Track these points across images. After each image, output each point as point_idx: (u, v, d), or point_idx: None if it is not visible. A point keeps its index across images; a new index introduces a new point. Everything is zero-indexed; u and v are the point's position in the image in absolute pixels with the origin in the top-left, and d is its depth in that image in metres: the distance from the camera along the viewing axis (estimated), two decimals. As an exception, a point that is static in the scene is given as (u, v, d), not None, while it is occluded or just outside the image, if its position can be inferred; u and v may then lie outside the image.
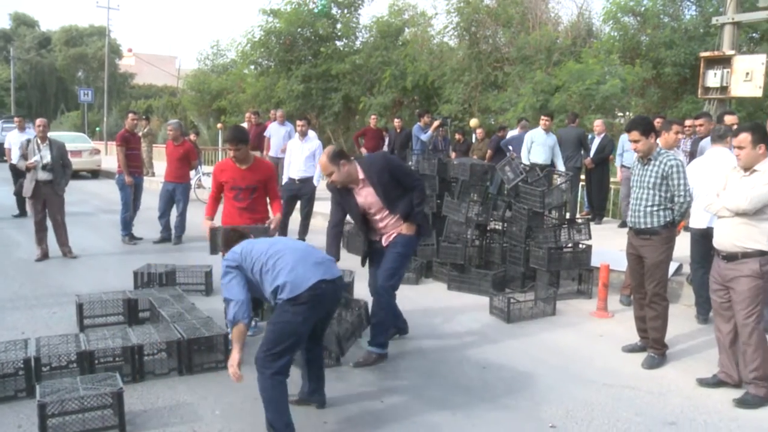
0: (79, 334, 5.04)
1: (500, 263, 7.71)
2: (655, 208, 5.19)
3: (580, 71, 15.22)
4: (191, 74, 32.59)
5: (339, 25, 22.76)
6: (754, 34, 17.47)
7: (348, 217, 5.41)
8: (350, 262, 8.25)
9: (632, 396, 4.72)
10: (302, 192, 9.21)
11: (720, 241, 4.72)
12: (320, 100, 22.01)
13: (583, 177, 11.91)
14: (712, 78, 10.29)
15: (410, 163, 8.93)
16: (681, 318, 6.49)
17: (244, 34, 23.56)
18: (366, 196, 5.12)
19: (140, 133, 15.08)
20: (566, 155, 10.92)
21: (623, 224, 9.97)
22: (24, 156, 8.51)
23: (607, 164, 11.59)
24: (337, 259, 5.16)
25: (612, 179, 11.89)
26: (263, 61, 23.62)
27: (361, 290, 5.88)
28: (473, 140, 14.69)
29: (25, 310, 6.43)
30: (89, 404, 3.95)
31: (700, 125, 8.15)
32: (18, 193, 9.69)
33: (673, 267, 7.01)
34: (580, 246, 7.38)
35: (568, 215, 8.35)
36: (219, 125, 23.18)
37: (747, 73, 9.94)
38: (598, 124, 11.66)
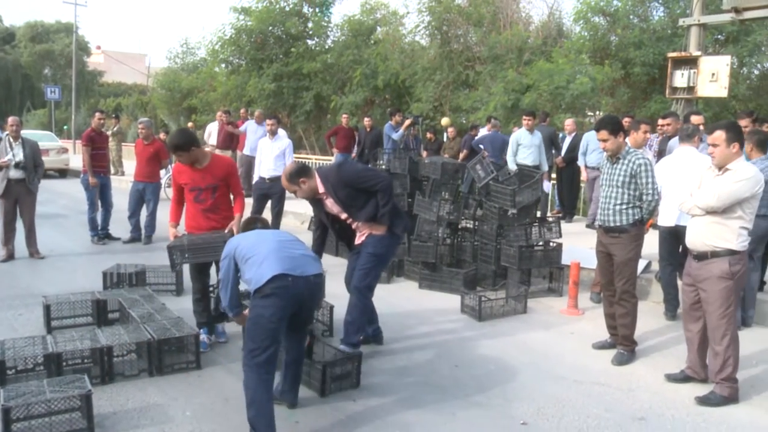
0: (46, 336, 4.95)
1: (471, 262, 7.74)
2: (624, 207, 5.24)
3: (550, 70, 15.34)
4: (161, 72, 32.26)
5: (310, 24, 22.69)
6: (719, 36, 17.73)
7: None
8: (323, 261, 8.25)
9: (602, 392, 4.76)
10: (272, 191, 9.16)
11: (691, 240, 4.76)
12: (292, 99, 21.92)
13: (554, 176, 12.00)
14: (680, 78, 10.43)
15: (381, 162, 8.92)
16: (650, 315, 6.57)
17: (215, 32, 23.38)
18: (332, 206, 5.15)
19: (109, 132, 14.91)
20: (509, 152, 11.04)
21: (591, 225, 10.02)
22: (-4, 155, 8.36)
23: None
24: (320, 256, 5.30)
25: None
26: (234, 59, 23.47)
27: (336, 288, 5.85)
28: (444, 139, 14.73)
29: (-10, 312, 6.31)
30: (56, 407, 3.89)
31: (667, 125, 8.25)
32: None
33: (641, 264, 7.10)
34: (551, 244, 7.43)
35: (539, 214, 8.42)
36: (190, 124, 22.99)
37: (713, 74, 10.08)
38: (569, 123, 11.76)
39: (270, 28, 22.00)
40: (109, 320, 5.85)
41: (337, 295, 5.84)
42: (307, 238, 9.65)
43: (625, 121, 7.72)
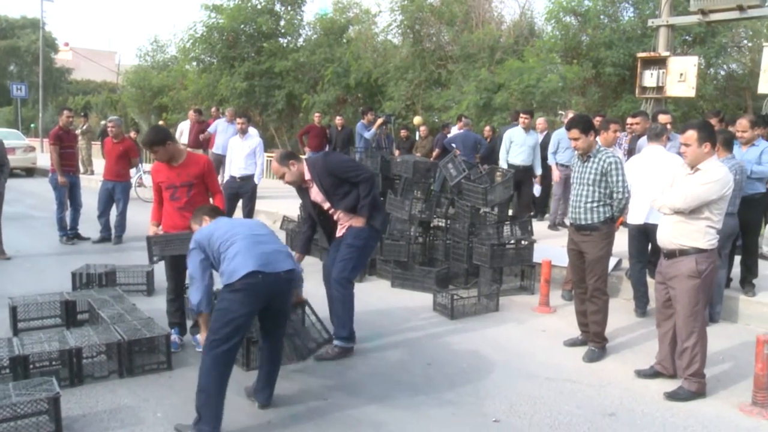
0: (12, 338, 4.85)
1: (443, 260, 7.76)
2: (595, 205, 5.29)
3: (520, 69, 15.45)
4: (131, 70, 31.87)
5: (282, 22, 22.59)
6: (687, 37, 17.98)
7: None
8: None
9: (574, 389, 4.80)
10: (243, 190, 9.12)
11: (661, 239, 4.82)
12: (263, 98, 21.81)
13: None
14: (649, 78, 10.56)
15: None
16: (620, 312, 6.64)
17: (186, 30, 23.16)
18: (315, 195, 5.27)
19: (78, 131, 14.70)
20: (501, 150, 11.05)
21: (553, 225, 10.07)
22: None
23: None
24: (302, 253, 5.46)
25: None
26: (205, 57, 23.27)
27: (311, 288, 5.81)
28: (417, 138, 14.76)
29: (-46, 314, 6.18)
30: (23, 411, 3.80)
31: (636, 123, 8.34)
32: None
33: (612, 262, 7.17)
34: (523, 242, 7.48)
35: (510, 212, 8.47)
36: (161, 123, 22.76)
37: (681, 74, 10.22)
38: (540, 122, 11.82)
39: (242, 26, 21.85)
40: (78, 321, 5.76)
41: (311, 294, 5.82)
42: (279, 236, 9.64)
43: (596, 121, 7.78)
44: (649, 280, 6.50)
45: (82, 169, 14.35)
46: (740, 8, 9.69)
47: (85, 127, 18.62)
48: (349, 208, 5.20)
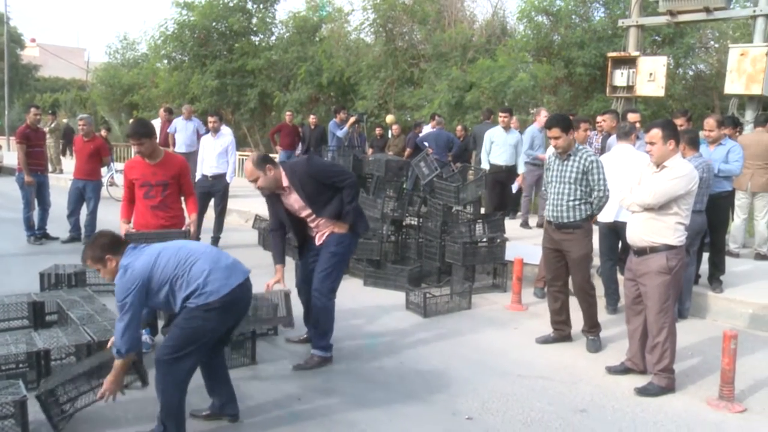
0: (-22, 340, 4.78)
1: (416, 258, 7.77)
2: (577, 203, 5.33)
3: (491, 68, 15.52)
4: (101, 68, 31.43)
5: (254, 20, 22.45)
6: (656, 37, 18.19)
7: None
8: (268, 258, 8.17)
9: (545, 386, 4.84)
10: (215, 189, 9.05)
11: (631, 236, 4.87)
12: (236, 96, 21.67)
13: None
14: (619, 77, 10.68)
15: (325, 159, 8.87)
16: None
17: (157, 27, 22.91)
18: (293, 202, 5.00)
19: (46, 129, 14.47)
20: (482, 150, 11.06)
21: (525, 224, 10.11)
22: None
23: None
24: (283, 263, 5.11)
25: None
26: (177, 55, 23.04)
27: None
28: (389, 136, 14.77)
29: None
30: (-12, 414, 3.75)
31: (603, 121, 8.43)
32: None
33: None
34: (495, 241, 7.51)
35: (482, 210, 8.50)
36: (131, 121, 22.51)
37: (650, 74, 10.36)
38: (512, 120, 11.87)
39: (213, 23, 21.67)
40: (46, 323, 5.66)
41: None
42: (252, 236, 9.59)
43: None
44: (619, 277, 6.57)
45: (50, 167, 14.12)
46: (707, 10, 9.86)
47: (53, 125, 18.35)
48: (334, 215, 4.99)
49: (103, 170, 10.90)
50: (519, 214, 10.61)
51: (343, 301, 6.62)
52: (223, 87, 21.38)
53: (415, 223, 8.07)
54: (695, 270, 6.65)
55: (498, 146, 9.76)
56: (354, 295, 7.07)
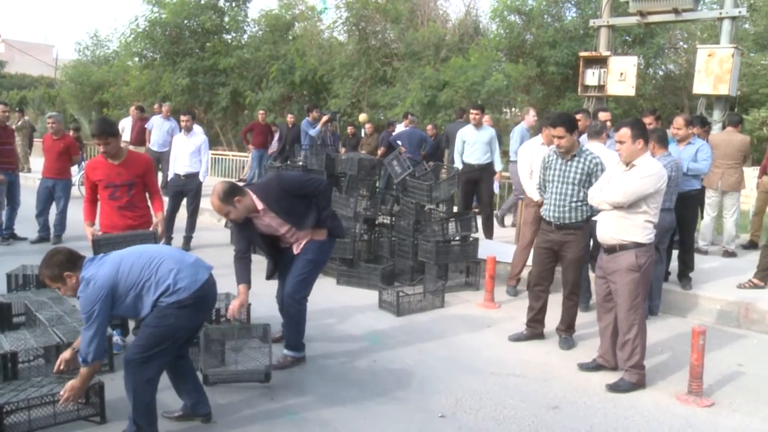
0: (-58, 343, 4.68)
1: (389, 257, 7.77)
2: (579, 204, 5.32)
3: (465, 67, 15.58)
4: (70, 65, 30.97)
5: (227, 18, 22.30)
6: (627, 38, 18.41)
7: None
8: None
9: (518, 383, 4.86)
10: (188, 188, 8.97)
11: (601, 235, 4.91)
12: (207, 95, 21.52)
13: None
14: (591, 77, 10.77)
15: (299, 158, 8.84)
16: (560, 306, 6.74)
17: (128, 24, 22.66)
18: (270, 222, 4.85)
19: (14, 126, 14.23)
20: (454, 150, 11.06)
21: (501, 220, 10.14)
22: None
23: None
24: (248, 284, 4.85)
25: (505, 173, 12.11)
26: (148, 53, 22.80)
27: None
28: (362, 135, 14.76)
29: None
30: (-47, 418, 3.67)
31: (578, 120, 8.47)
32: None
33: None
34: (468, 239, 7.53)
35: (455, 209, 8.51)
36: (96, 120, 22.20)
37: (621, 73, 10.46)
38: (485, 119, 11.91)
39: (185, 21, 21.49)
40: (14, 325, 5.56)
41: (255, 293, 5.76)
42: (224, 235, 9.53)
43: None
44: (591, 275, 6.62)
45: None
46: (675, 11, 9.98)
47: (20, 123, 18.05)
48: (313, 224, 4.90)
49: (74, 169, 10.75)
50: (502, 209, 10.54)
51: (316, 300, 6.59)
52: (195, 85, 21.21)
53: (388, 221, 8.06)
54: (665, 267, 6.72)
55: (470, 145, 9.43)
56: (327, 294, 7.05)
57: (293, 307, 4.98)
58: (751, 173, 11.57)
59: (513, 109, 17.82)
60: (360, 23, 19.29)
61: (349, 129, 14.98)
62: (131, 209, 5.41)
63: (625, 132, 4.69)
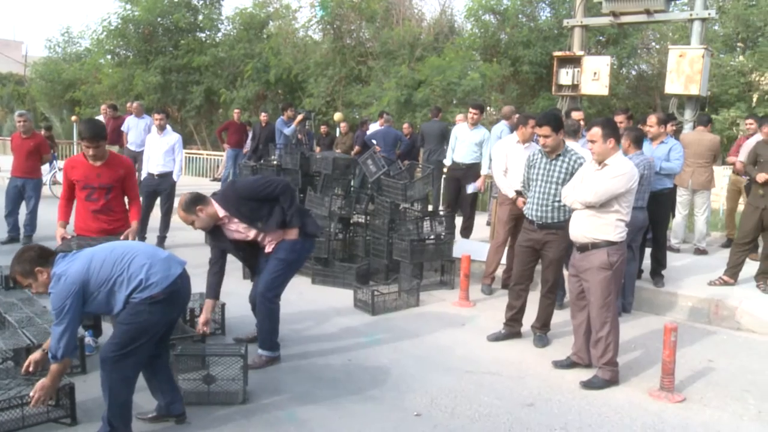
0: None
1: (364, 256, 7.76)
2: (562, 203, 5.28)
3: (441, 66, 15.62)
4: (40, 62, 30.52)
5: (201, 17, 22.14)
6: (601, 38, 18.59)
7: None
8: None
9: (493, 381, 4.88)
10: (161, 187, 8.88)
11: (573, 233, 4.94)
12: (181, 94, 21.34)
13: (445, 170, 12.16)
14: (564, 76, 10.83)
15: (273, 157, 8.79)
16: (537, 304, 6.77)
17: (100, 21, 22.38)
18: (236, 229, 4.87)
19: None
20: (429, 149, 11.08)
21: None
22: None
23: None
24: (215, 298, 4.97)
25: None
26: (120, 50, 22.56)
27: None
28: (337, 134, 14.73)
29: None
30: None
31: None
32: None
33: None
34: (442, 238, 7.54)
35: (430, 207, 8.52)
36: (73, 117, 21.96)
37: (594, 73, 10.53)
38: (460, 118, 11.94)
39: (158, 19, 21.30)
40: (-18, 326, 5.49)
41: (231, 292, 5.73)
42: (199, 235, 9.44)
43: (516, 117, 7.88)
44: (564, 272, 6.66)
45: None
46: (647, 12, 10.07)
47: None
48: (280, 224, 4.89)
49: (46, 168, 10.59)
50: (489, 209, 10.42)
51: (290, 300, 6.59)
52: (168, 84, 21.03)
53: (363, 220, 8.05)
54: (638, 265, 6.79)
55: (460, 142, 9.22)
56: (302, 293, 7.02)
57: (265, 306, 4.97)
58: (721, 172, 11.74)
59: (488, 108, 17.89)
60: (335, 22, 19.27)
61: (323, 128, 14.94)
62: (107, 213, 5.28)
63: (597, 131, 4.72)
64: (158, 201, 9.07)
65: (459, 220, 8.79)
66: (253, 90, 20.03)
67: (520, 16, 18.72)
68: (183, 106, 21.88)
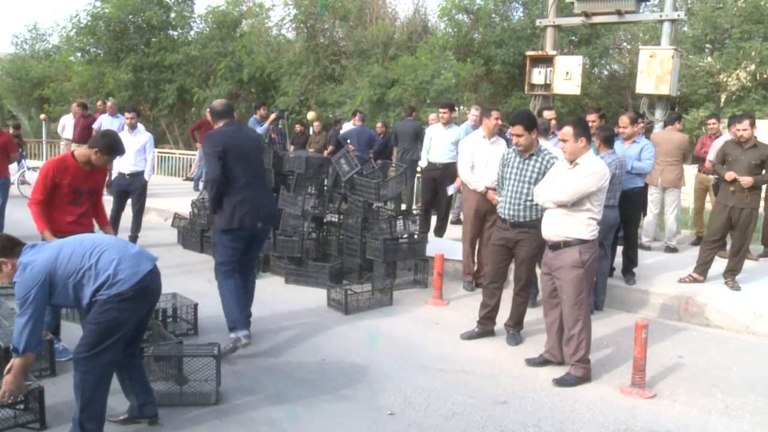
0: None
1: (337, 255, 7.74)
2: (534, 202, 5.29)
3: (415, 65, 15.63)
4: (6, 59, 30.04)
5: (173, 14, 21.93)
6: (573, 38, 18.75)
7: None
8: (187, 257, 8.01)
9: (467, 379, 4.89)
10: (133, 187, 8.76)
11: (545, 232, 4.97)
12: (153, 92, 21.11)
13: (419, 169, 12.17)
14: (537, 75, 10.89)
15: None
16: (510, 302, 6.80)
17: (69, 18, 22.06)
18: None
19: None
20: (403, 148, 11.07)
21: (457, 221, 10.17)
22: None
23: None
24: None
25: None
26: (91, 48, 22.25)
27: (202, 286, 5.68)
28: (311, 133, 14.69)
29: None
30: None
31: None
32: None
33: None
34: (416, 237, 7.55)
35: (403, 207, 8.51)
36: (42, 116, 21.66)
37: (567, 72, 10.60)
38: (433, 118, 11.96)
39: (129, 16, 21.04)
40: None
41: (203, 292, 5.68)
42: (171, 234, 9.36)
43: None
44: (537, 271, 6.70)
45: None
46: (618, 12, 10.17)
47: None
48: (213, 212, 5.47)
49: (14, 167, 10.40)
50: (455, 207, 10.41)
51: (264, 299, 6.55)
52: (140, 82, 20.79)
53: (336, 219, 8.03)
54: (610, 263, 6.84)
55: (435, 143, 9.16)
56: (275, 293, 6.99)
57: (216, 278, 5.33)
58: (690, 171, 11.88)
59: (461, 108, 17.94)
60: (308, 21, 19.20)
61: (297, 127, 14.88)
62: (87, 216, 5.19)
63: (568, 131, 4.76)
64: (130, 201, 8.95)
65: (434, 219, 8.81)
66: (226, 89, 19.87)
67: (493, 15, 18.80)
68: (155, 105, 21.65)
